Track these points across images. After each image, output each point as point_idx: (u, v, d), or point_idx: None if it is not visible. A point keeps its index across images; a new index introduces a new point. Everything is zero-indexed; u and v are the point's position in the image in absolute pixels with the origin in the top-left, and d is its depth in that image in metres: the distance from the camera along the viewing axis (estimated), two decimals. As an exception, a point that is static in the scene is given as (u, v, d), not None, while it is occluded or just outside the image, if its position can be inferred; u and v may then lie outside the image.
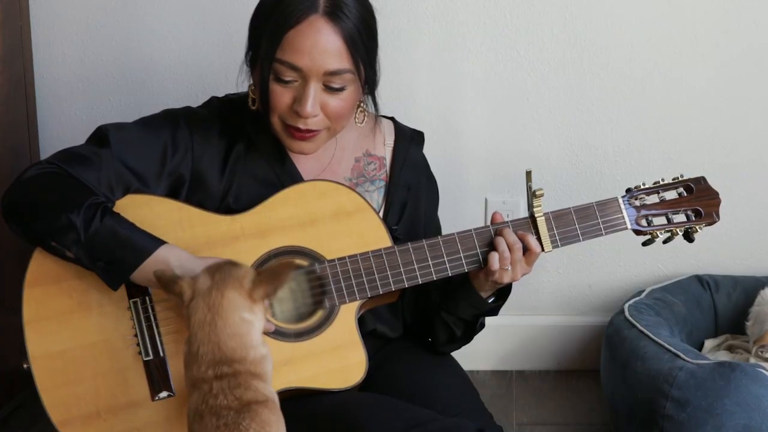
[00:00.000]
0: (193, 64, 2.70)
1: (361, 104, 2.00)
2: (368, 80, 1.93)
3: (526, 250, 1.94)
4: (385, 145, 2.09)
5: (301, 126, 1.90)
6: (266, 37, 1.89)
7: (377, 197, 2.05)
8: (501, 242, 1.92)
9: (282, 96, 1.89)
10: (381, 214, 2.04)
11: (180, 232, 1.86)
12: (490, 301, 2.01)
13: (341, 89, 1.89)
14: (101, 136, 1.91)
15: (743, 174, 2.72)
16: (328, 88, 1.88)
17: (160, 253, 1.78)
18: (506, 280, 1.94)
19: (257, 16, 1.92)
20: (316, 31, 1.84)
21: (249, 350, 1.62)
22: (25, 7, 2.65)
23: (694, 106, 2.70)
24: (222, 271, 1.66)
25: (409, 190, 2.08)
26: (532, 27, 2.66)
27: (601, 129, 2.72)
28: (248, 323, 1.63)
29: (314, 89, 1.88)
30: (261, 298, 1.65)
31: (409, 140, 2.10)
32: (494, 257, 1.92)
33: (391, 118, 2.13)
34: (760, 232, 2.77)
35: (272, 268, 1.69)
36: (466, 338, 2.08)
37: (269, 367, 1.65)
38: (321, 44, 1.85)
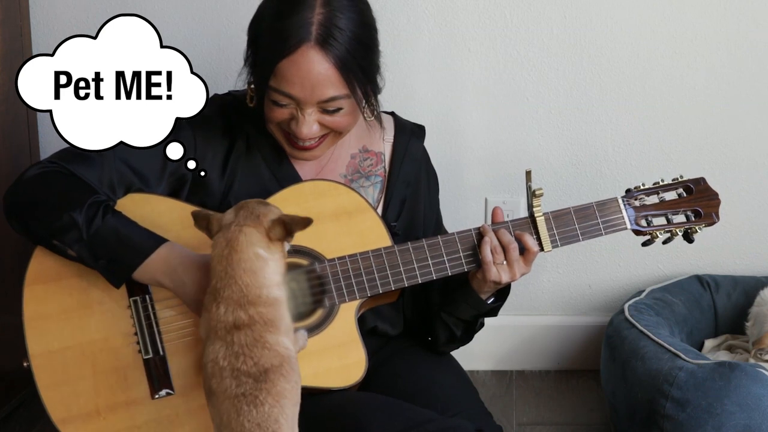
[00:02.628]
0: (193, 63, 2.69)
1: (371, 99, 1.99)
2: (366, 92, 1.92)
3: (524, 249, 1.93)
4: (384, 141, 2.09)
5: (300, 143, 1.91)
6: (260, 62, 1.89)
7: (373, 192, 2.05)
8: (489, 238, 1.92)
9: (279, 114, 1.90)
10: (380, 209, 2.04)
11: (181, 230, 1.86)
12: (489, 302, 2.01)
13: (337, 110, 1.89)
14: (102, 135, 1.91)
15: (743, 174, 2.72)
16: (325, 111, 1.89)
17: (162, 251, 1.78)
18: (505, 279, 1.93)
19: (255, 28, 1.92)
20: (308, 61, 1.84)
21: (263, 289, 1.64)
22: (25, 7, 2.65)
23: (694, 106, 2.70)
24: (247, 208, 1.69)
25: (408, 186, 2.08)
26: (532, 27, 2.66)
27: (601, 129, 2.72)
28: (263, 260, 1.65)
29: (309, 114, 1.88)
30: (278, 237, 1.67)
31: (409, 134, 2.10)
32: (486, 249, 1.92)
33: (391, 113, 2.13)
34: (760, 232, 2.77)
35: (295, 215, 1.70)
36: (467, 338, 2.08)
37: (283, 312, 1.66)
38: (314, 75, 1.84)
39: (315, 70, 1.84)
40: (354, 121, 1.95)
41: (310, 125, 1.89)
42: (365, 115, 2.00)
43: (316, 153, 1.95)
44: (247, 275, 1.64)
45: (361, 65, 1.88)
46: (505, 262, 1.92)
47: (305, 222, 1.67)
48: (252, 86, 1.95)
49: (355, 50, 1.86)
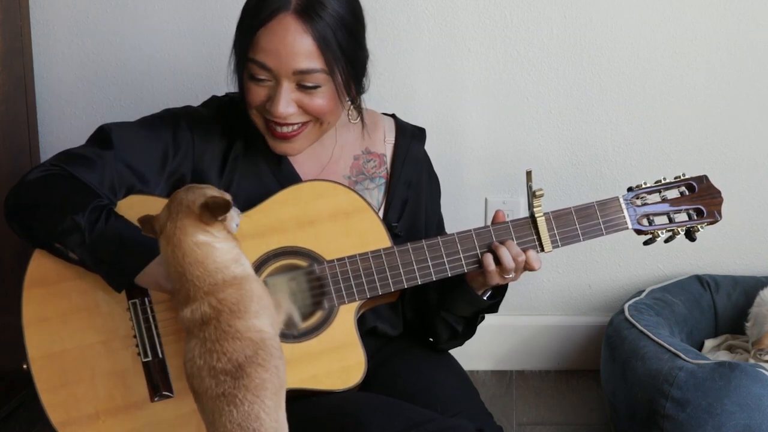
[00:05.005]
0: (194, 63, 2.70)
1: (356, 100, 1.99)
2: (347, 82, 1.91)
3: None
4: (385, 142, 2.08)
5: (279, 129, 1.90)
6: (241, 36, 1.89)
7: (377, 194, 2.05)
8: (504, 252, 1.92)
9: (257, 94, 1.89)
10: (381, 211, 2.04)
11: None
12: (486, 297, 2.01)
13: (315, 87, 1.87)
14: (103, 136, 1.91)
15: (743, 174, 2.72)
16: (302, 87, 1.87)
17: (164, 254, 1.78)
18: (507, 282, 1.95)
19: (241, 13, 1.92)
20: (284, 29, 1.83)
21: (216, 275, 1.59)
22: (25, 7, 2.65)
23: (694, 106, 2.70)
24: (175, 200, 1.63)
25: (409, 187, 2.08)
26: (532, 27, 2.66)
27: (601, 129, 2.72)
28: (206, 245, 1.60)
29: (286, 89, 1.87)
30: (211, 218, 1.60)
31: (410, 137, 2.10)
32: (489, 258, 1.92)
33: (392, 115, 2.13)
34: (760, 232, 2.77)
35: (217, 196, 1.64)
36: (469, 332, 2.08)
37: (249, 287, 1.61)
38: (289, 43, 1.83)
39: (290, 38, 1.83)
40: (334, 110, 1.93)
41: (286, 102, 1.87)
42: (350, 116, 2.00)
43: (296, 145, 1.94)
44: (195, 267, 1.59)
45: (343, 49, 1.87)
46: (512, 275, 1.93)
47: (225, 204, 1.59)
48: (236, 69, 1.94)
49: (338, 31, 1.86)
